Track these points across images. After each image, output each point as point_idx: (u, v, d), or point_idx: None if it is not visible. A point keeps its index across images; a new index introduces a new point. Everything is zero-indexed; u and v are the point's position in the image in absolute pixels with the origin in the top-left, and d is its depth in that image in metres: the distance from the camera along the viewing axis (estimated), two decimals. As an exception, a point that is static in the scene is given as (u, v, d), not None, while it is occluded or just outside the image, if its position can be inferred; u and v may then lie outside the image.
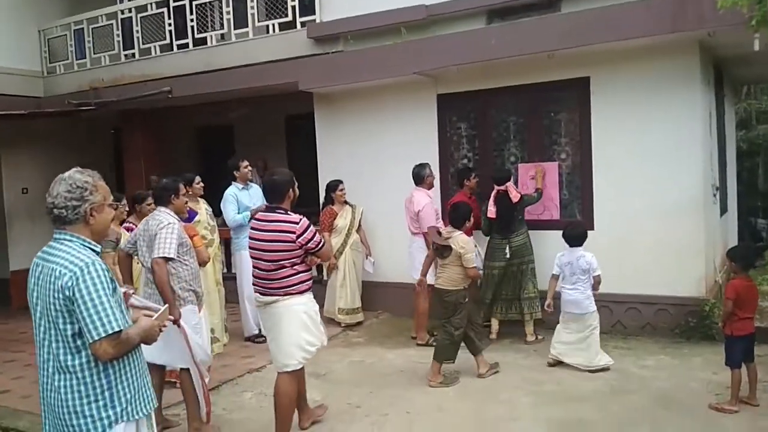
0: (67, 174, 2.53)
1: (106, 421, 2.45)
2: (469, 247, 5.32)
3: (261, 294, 4.18)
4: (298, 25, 8.18)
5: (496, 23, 7.07)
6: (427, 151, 7.40)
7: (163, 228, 4.42)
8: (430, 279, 5.93)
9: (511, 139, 7.13)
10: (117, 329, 2.38)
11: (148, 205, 5.57)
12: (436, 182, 7.29)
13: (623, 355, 5.85)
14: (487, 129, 7.23)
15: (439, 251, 5.43)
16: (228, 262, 8.07)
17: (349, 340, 6.85)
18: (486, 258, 6.44)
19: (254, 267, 4.20)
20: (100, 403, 2.45)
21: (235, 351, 6.57)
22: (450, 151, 7.49)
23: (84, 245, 2.50)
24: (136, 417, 2.55)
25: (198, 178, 6.63)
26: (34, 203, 10.18)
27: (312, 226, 4.12)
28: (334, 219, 7.27)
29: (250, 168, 6.90)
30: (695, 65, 6.13)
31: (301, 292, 4.13)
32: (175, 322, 4.15)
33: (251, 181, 6.97)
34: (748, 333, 4.54)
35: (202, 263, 5.38)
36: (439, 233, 5.52)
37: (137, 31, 9.41)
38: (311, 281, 4.25)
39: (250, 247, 4.23)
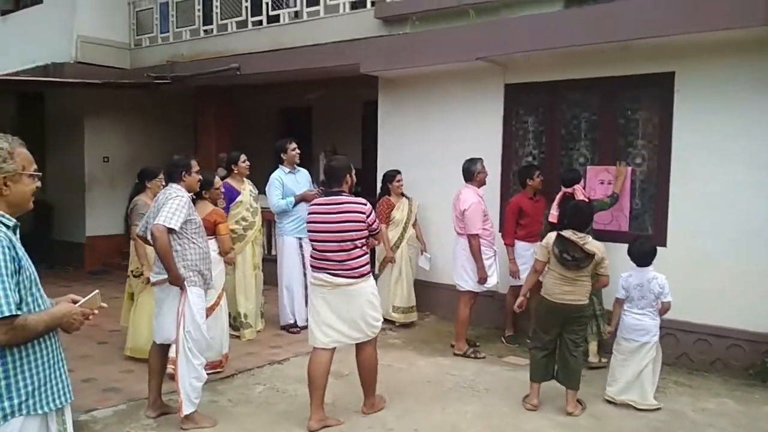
0: None
1: (0, 413, 2.22)
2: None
3: (332, 275, 4.29)
4: (368, 4, 7.82)
5: (574, 8, 6.36)
6: (490, 145, 6.86)
7: (171, 199, 4.26)
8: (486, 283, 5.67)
9: (581, 137, 6.44)
10: (6, 314, 2.14)
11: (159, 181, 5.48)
12: (496, 180, 6.80)
13: (681, 393, 5.13)
14: (555, 125, 6.57)
15: (576, 261, 4.56)
16: (270, 245, 7.93)
17: (385, 340, 6.47)
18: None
19: (319, 250, 4.32)
20: None
21: (265, 339, 6.38)
22: (514, 146, 6.89)
23: None
24: (39, 411, 2.31)
25: (244, 157, 6.47)
26: (114, 172, 10.53)
27: (376, 218, 4.43)
28: (391, 210, 6.89)
29: (297, 151, 6.63)
30: (801, 64, 5.22)
31: (368, 273, 4.41)
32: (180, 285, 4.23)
33: (299, 164, 6.70)
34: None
35: (224, 253, 5.27)
36: (570, 241, 4.56)
37: (216, 7, 9.40)
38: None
39: (315, 231, 4.34)
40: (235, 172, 6.41)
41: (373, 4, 7.76)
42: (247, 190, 6.42)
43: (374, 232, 4.42)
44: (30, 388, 2.29)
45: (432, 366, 5.75)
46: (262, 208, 6.60)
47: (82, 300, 2.45)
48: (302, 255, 6.48)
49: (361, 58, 7.27)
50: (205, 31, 9.64)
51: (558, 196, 5.92)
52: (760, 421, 4.58)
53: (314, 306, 4.43)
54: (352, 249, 4.28)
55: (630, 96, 6.09)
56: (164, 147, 9.62)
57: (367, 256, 4.42)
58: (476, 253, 5.86)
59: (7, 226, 2.30)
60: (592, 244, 4.59)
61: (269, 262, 7.15)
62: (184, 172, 4.47)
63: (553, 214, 5.85)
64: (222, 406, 4.74)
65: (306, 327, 6.57)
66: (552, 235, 4.74)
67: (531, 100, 6.73)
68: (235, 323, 6.26)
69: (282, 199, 6.43)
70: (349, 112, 10.84)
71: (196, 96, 10.11)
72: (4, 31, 11.37)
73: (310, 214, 4.43)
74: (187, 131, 10.71)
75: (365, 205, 4.34)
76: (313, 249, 4.39)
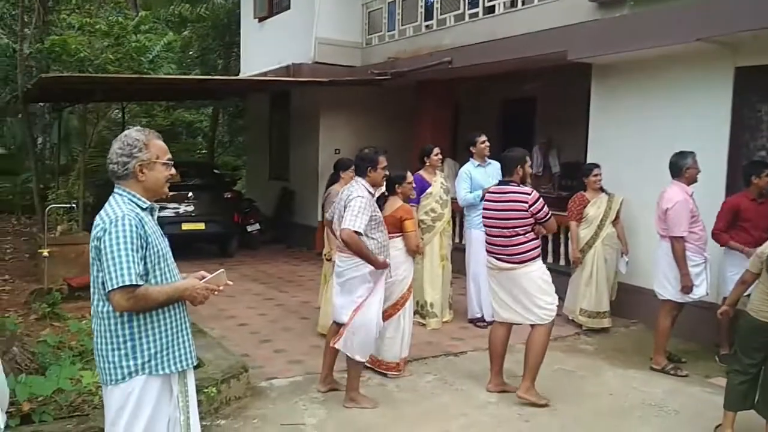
0: (124, 133, 2.63)
1: (126, 370, 2.51)
2: None
3: (497, 260, 4.66)
4: (584, -13, 7.33)
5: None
6: (716, 137, 6.04)
7: (353, 200, 4.44)
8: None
9: (830, 128, 5.35)
10: (128, 283, 2.40)
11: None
12: (721, 178, 6.02)
13: None
14: (796, 113, 5.54)
15: None
16: (461, 234, 7.90)
17: (575, 345, 6.08)
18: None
19: (489, 235, 4.72)
20: (122, 352, 2.51)
21: (450, 330, 6.40)
22: (744, 139, 5.96)
23: (132, 200, 2.57)
24: (160, 372, 2.56)
25: (437, 150, 6.55)
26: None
27: (542, 200, 4.58)
28: (585, 206, 6.45)
29: (487, 144, 6.50)
30: None
31: (533, 259, 4.58)
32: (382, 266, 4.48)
33: (489, 157, 6.56)
34: None
35: (411, 251, 5.16)
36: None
37: (437, 1, 9.58)
38: (540, 248, 4.71)
39: (485, 217, 4.75)
40: (428, 164, 6.51)
41: (588, -13, 7.25)
42: (438, 182, 6.48)
43: (541, 221, 4.57)
44: (153, 351, 2.54)
45: (620, 378, 5.26)
46: (452, 199, 6.61)
47: (209, 276, 2.68)
48: (491, 248, 6.37)
49: (570, 45, 6.86)
50: (426, 26, 9.89)
51: None
52: None
53: (491, 286, 4.85)
54: (513, 236, 4.54)
55: None
56: (386, 140, 10.08)
57: (534, 242, 4.59)
58: (680, 258, 5.19)
59: (142, 208, 2.60)
60: None
61: (459, 251, 7.14)
62: (370, 168, 4.57)
63: None
64: (388, 390, 4.87)
65: (493, 322, 6.55)
66: None
67: (766, 85, 5.75)
68: (422, 311, 6.38)
69: (470, 192, 6.36)
70: (574, 103, 10.29)
71: (416, 90, 10.43)
72: (261, 36, 12.89)
73: (484, 201, 4.86)
74: (408, 125, 11.11)
75: (529, 194, 4.53)
76: (486, 234, 4.78)
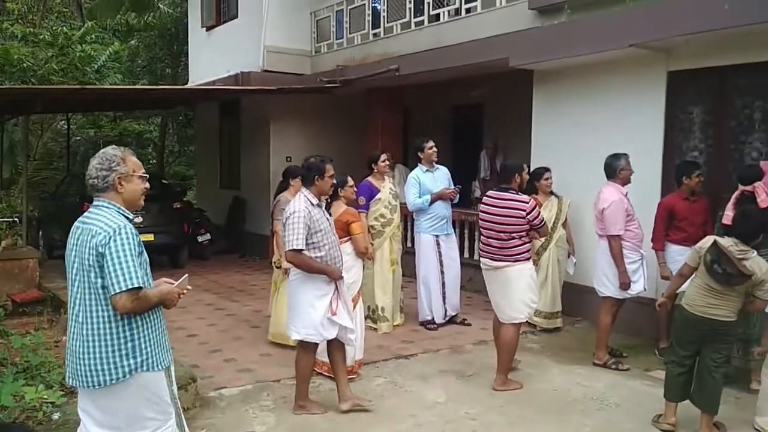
0: (101, 150, 2.87)
1: (126, 369, 2.71)
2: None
3: (491, 260, 4.98)
4: (525, -5, 7.54)
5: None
6: (650, 140, 6.29)
7: (288, 218, 4.37)
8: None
9: (755, 129, 5.63)
10: (136, 285, 2.62)
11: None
12: (657, 178, 6.24)
13: None
14: (724, 115, 5.82)
15: (729, 277, 3.97)
16: (411, 239, 8.04)
17: (523, 344, 6.14)
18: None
19: (485, 236, 5.01)
20: (123, 352, 2.70)
21: (401, 334, 6.47)
22: (677, 141, 6.22)
23: (119, 212, 2.78)
24: (155, 369, 2.79)
25: (384, 156, 6.63)
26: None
27: (537, 207, 4.96)
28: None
29: (435, 150, 6.62)
30: None
31: (527, 259, 4.95)
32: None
33: (438, 162, 6.69)
34: None
35: (359, 253, 5.20)
36: (724, 252, 3.98)
37: (383, 10, 9.70)
38: (530, 251, 5.06)
39: (483, 220, 5.01)
40: (375, 170, 6.58)
41: (531, -6, 7.46)
42: (387, 188, 6.56)
43: (536, 227, 4.91)
44: (148, 350, 2.77)
45: (564, 374, 5.41)
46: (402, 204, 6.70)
47: (178, 281, 2.93)
48: (439, 252, 6.50)
49: (511, 52, 7.05)
50: (374, 34, 9.99)
51: (734, 196, 5.18)
52: None
53: (487, 285, 5.17)
54: (509, 239, 4.87)
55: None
56: (337, 147, 10.14)
57: (527, 245, 4.93)
58: (617, 256, 5.40)
59: (128, 219, 2.80)
60: (754, 262, 3.95)
61: (409, 255, 7.24)
62: (317, 176, 4.50)
63: (728, 215, 5.08)
64: (333, 398, 4.89)
65: (444, 324, 6.66)
66: (708, 240, 4.18)
67: (696, 89, 6.03)
68: (374, 316, 6.45)
69: (419, 197, 6.47)
70: (519, 108, 10.52)
71: (366, 97, 10.52)
72: (209, 44, 12.81)
73: (481, 204, 5.12)
74: (359, 131, 11.19)
75: (527, 203, 4.84)
76: (482, 236, 5.08)
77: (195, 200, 14.18)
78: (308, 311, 4.40)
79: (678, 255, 5.58)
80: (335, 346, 4.58)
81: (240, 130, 12.26)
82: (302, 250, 4.30)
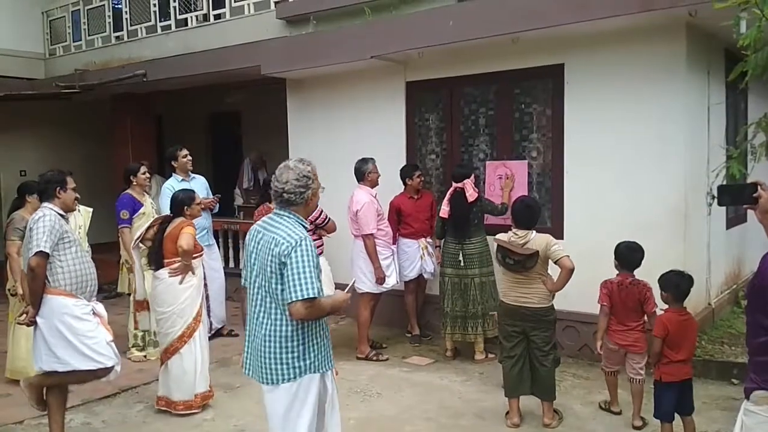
0: (292, 163, 2.93)
1: (297, 370, 2.87)
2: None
3: None
4: (272, 5, 7.66)
5: (466, 1, 6.28)
6: (396, 145, 6.78)
7: (34, 223, 3.96)
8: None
9: (480, 133, 6.37)
10: (312, 295, 2.74)
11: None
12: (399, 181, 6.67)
13: (575, 386, 5.08)
14: (455, 121, 6.49)
15: (520, 263, 4.29)
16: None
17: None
18: (441, 264, 5.87)
19: None
20: (295, 353, 2.87)
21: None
22: (418, 145, 6.80)
23: (299, 222, 2.92)
24: (321, 371, 2.95)
25: (143, 168, 6.26)
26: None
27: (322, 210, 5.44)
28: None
29: (189, 158, 6.44)
30: (681, 52, 5.19)
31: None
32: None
33: (193, 171, 6.51)
34: (681, 379, 3.71)
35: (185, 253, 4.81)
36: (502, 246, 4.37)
37: (126, 12, 9.17)
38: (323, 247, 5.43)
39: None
40: (135, 183, 6.18)
41: (277, 4, 7.60)
42: (148, 202, 6.23)
43: (322, 225, 5.59)
44: (315, 352, 2.92)
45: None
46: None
47: (348, 287, 3.07)
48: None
49: (263, 60, 7.11)
50: (116, 37, 9.40)
51: (449, 192, 5.82)
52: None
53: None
54: None
55: (523, 90, 6.04)
56: (81, 158, 9.37)
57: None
58: (372, 254, 5.77)
59: (305, 228, 2.93)
60: (533, 242, 4.30)
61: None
62: (59, 188, 4.12)
63: (444, 209, 5.77)
64: (95, 428, 4.55)
65: (211, 337, 6.49)
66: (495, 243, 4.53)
67: (431, 98, 6.65)
68: (143, 342, 6.10)
69: (175, 208, 6.23)
70: (276, 115, 10.65)
71: (112, 105, 9.84)
72: None
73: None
74: (106, 140, 10.44)
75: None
76: None
77: None
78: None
79: (407, 247, 6.17)
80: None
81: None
82: (48, 254, 3.90)
